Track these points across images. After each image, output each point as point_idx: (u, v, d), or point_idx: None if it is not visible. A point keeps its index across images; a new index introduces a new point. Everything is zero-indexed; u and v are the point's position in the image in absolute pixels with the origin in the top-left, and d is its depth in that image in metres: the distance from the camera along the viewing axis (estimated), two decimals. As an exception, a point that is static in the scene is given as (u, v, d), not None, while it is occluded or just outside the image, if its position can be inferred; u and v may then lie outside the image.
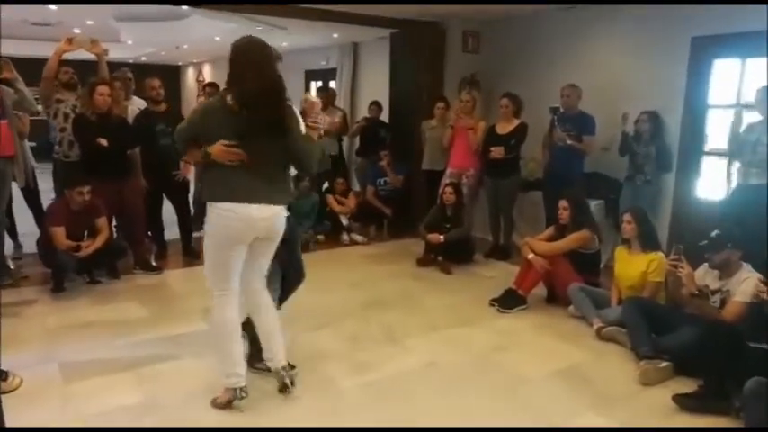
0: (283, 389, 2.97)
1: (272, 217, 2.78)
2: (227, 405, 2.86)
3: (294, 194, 2.91)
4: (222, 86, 2.90)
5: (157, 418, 2.79)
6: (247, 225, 2.72)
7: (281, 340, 3.01)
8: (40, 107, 4.89)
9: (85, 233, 4.53)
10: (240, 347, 2.89)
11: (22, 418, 2.71)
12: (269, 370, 3.07)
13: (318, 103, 2.86)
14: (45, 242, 4.47)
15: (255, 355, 3.18)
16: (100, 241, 4.50)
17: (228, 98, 2.67)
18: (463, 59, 6.66)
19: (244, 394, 2.84)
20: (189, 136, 2.82)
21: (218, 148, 2.66)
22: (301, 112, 2.84)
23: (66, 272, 4.47)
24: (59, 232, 4.33)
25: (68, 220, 4.39)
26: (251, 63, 2.65)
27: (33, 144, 5.48)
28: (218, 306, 2.84)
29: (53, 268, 4.48)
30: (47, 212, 4.63)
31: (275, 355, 2.99)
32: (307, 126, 2.78)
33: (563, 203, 4.39)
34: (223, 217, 2.71)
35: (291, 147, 2.72)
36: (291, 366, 3.07)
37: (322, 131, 2.86)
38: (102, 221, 4.54)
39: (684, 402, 2.94)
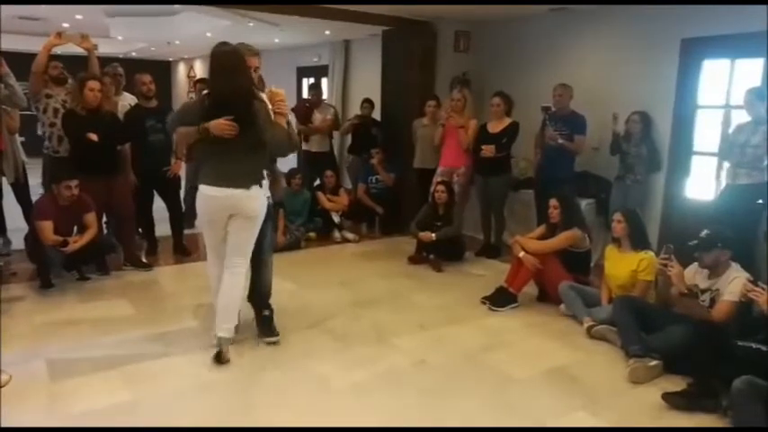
0: (216, 357, 3.30)
1: (233, 197, 3.22)
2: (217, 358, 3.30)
3: (265, 177, 3.38)
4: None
5: (145, 417, 2.77)
6: (212, 204, 3.27)
7: (225, 315, 3.34)
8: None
9: (74, 229, 4.48)
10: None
11: (7, 416, 2.69)
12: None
13: (279, 92, 3.26)
14: (32, 238, 4.42)
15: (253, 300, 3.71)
16: (88, 237, 4.45)
17: (206, 101, 3.25)
18: (454, 58, 6.67)
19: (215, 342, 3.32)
20: (178, 123, 3.47)
21: (216, 123, 3.12)
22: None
23: (53, 268, 4.41)
24: (47, 226, 4.27)
25: (56, 216, 4.33)
26: (222, 70, 3.18)
27: (23, 139, 5.43)
28: (207, 267, 3.52)
29: (40, 264, 4.43)
30: (34, 207, 4.56)
31: (217, 325, 3.36)
32: (274, 113, 3.22)
33: (553, 202, 4.40)
34: (198, 197, 3.32)
35: (263, 137, 3.18)
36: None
37: (290, 117, 3.39)
38: (90, 217, 4.49)
39: (673, 401, 2.96)
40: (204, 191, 3.26)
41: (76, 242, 4.38)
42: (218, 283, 3.39)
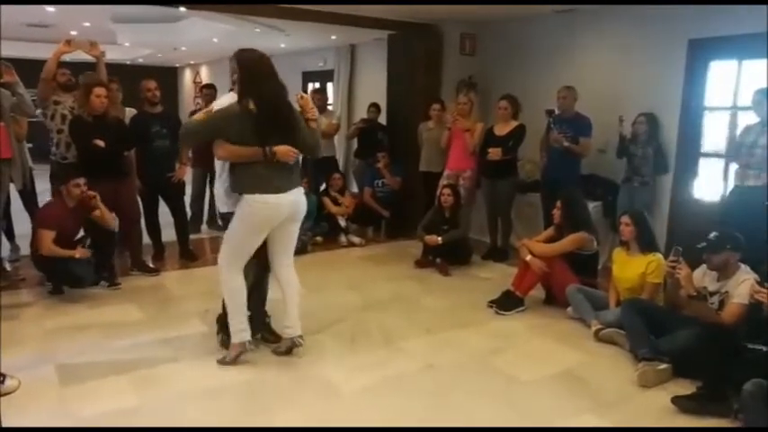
0: (288, 351, 3.45)
1: (295, 201, 3.26)
2: (235, 359, 3.32)
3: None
4: (221, 89, 3.32)
5: (153, 420, 2.78)
6: (276, 212, 3.20)
7: (295, 313, 3.44)
8: (38, 111, 4.88)
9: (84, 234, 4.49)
10: (245, 310, 3.33)
11: (17, 420, 2.70)
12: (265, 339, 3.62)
13: (309, 98, 3.38)
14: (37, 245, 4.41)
15: (255, 327, 3.49)
16: (105, 214, 4.45)
17: (250, 105, 3.07)
18: (460, 61, 6.67)
19: (252, 347, 3.37)
20: (205, 136, 3.25)
21: (284, 149, 3.12)
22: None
23: (63, 281, 4.40)
24: (47, 236, 4.21)
25: (64, 219, 4.32)
26: (263, 74, 3.11)
27: (30, 145, 5.46)
28: (230, 280, 3.29)
29: (45, 271, 4.44)
30: (39, 214, 4.51)
31: (293, 324, 3.44)
32: (306, 119, 3.30)
33: (557, 203, 4.40)
34: (255, 207, 3.16)
35: (301, 139, 3.24)
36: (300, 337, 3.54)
37: (317, 123, 3.45)
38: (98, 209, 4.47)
39: (683, 404, 2.94)
40: (268, 199, 3.14)
41: (84, 253, 4.34)
42: (242, 291, 3.31)
